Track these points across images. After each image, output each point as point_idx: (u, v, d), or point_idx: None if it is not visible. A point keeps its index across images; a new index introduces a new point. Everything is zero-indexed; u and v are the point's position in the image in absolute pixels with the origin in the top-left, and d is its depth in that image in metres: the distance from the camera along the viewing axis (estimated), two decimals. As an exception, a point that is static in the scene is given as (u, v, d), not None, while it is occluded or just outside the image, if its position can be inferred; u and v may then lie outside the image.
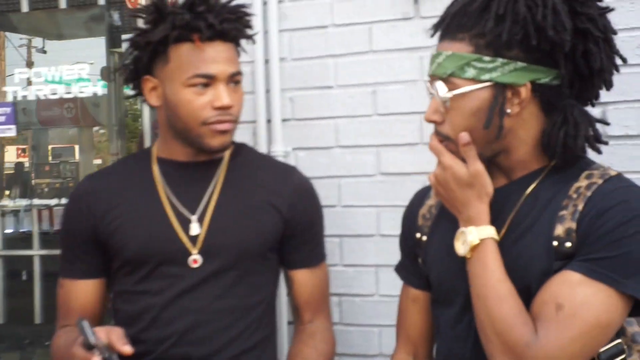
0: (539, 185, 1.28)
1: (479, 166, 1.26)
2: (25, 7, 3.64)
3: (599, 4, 1.27)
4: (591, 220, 1.18)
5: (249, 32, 1.69)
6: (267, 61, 2.39)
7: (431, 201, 1.49)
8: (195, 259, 1.60)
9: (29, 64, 10.60)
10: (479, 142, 1.26)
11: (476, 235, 1.24)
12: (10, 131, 3.83)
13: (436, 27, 1.34)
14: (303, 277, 1.75)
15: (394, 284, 2.26)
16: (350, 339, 2.34)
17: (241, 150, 1.76)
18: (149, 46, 1.59)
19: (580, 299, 1.14)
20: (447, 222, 1.38)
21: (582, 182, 1.24)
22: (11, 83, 4.24)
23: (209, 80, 1.57)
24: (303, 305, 1.75)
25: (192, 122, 1.58)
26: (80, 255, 1.67)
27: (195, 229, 1.62)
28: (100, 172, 1.98)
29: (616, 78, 1.92)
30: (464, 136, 1.25)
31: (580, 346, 1.15)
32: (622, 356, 1.23)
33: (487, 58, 1.23)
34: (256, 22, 2.37)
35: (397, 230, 2.24)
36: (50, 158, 8.04)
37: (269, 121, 2.40)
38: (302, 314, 1.76)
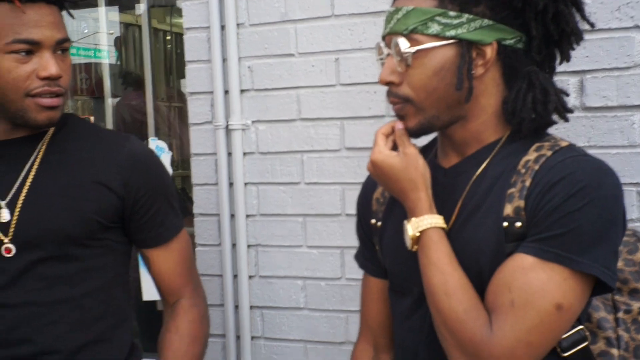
0: (491, 161, 1.20)
1: (411, 149, 1.21)
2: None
3: None
4: (538, 196, 1.10)
5: None
6: (223, 27, 2.22)
7: None
8: (8, 248, 1.43)
9: None
10: (440, 104, 1.18)
11: (415, 228, 1.18)
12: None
13: None
14: (157, 256, 1.56)
15: (360, 267, 2.16)
16: (315, 325, 2.21)
17: (67, 122, 1.55)
18: None
19: (535, 285, 1.06)
20: (400, 207, 1.28)
21: (531, 155, 1.15)
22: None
23: (32, 47, 1.41)
24: (164, 286, 1.59)
25: (13, 94, 1.41)
26: None
27: (5, 215, 1.45)
28: None
29: (593, 44, 1.79)
30: (400, 125, 1.21)
31: (539, 335, 1.06)
32: (585, 343, 1.15)
33: (452, 13, 1.14)
34: (211, -16, 2.21)
35: (364, 210, 2.13)
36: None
37: (226, 92, 2.24)
38: (166, 296, 1.60)
